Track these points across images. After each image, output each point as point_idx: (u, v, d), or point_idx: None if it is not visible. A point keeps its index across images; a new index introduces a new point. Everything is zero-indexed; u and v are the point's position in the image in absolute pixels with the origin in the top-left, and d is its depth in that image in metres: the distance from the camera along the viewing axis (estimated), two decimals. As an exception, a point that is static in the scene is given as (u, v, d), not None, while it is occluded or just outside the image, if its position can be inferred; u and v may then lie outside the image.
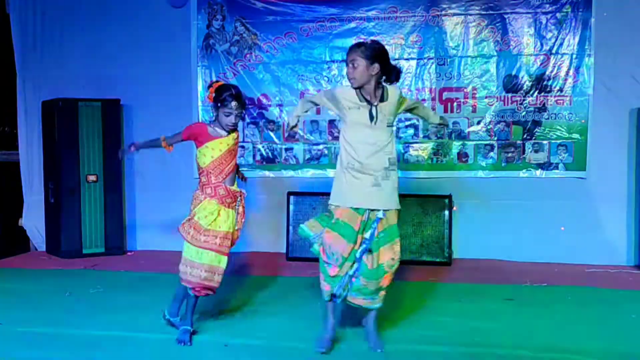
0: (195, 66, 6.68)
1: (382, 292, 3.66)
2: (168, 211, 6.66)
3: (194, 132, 3.83)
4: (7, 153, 7.25)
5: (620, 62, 6.05)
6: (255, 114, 6.66)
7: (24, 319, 4.19)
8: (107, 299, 4.78)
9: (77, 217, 6.35)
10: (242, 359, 3.57)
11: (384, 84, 3.59)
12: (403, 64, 6.40)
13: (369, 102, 3.52)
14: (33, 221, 6.88)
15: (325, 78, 6.55)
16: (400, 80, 6.39)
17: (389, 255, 3.55)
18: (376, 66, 3.48)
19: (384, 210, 3.55)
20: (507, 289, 5.08)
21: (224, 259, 3.82)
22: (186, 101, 6.70)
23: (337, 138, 6.53)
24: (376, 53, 3.50)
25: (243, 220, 3.95)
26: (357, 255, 3.54)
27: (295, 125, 3.90)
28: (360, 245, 3.54)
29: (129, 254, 6.62)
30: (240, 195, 3.89)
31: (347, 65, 3.57)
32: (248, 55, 6.63)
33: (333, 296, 3.61)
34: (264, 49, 6.60)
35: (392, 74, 3.58)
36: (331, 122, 6.55)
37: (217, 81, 3.96)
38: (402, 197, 5.99)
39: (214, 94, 3.77)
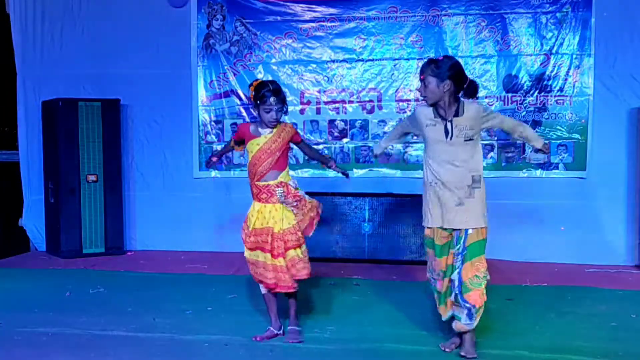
0: (195, 66, 6.68)
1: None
2: (168, 211, 6.69)
3: (239, 132, 3.95)
4: (7, 153, 7.25)
5: (620, 62, 6.05)
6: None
7: (24, 319, 4.19)
8: (107, 299, 4.78)
9: (77, 217, 6.34)
10: (242, 359, 3.57)
11: (461, 99, 3.56)
12: (403, 64, 6.41)
13: (443, 118, 3.51)
14: (33, 221, 6.88)
15: (325, 78, 6.55)
16: (401, 80, 6.47)
17: (471, 273, 3.51)
18: (447, 83, 3.45)
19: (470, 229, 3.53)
20: (507, 289, 5.08)
21: (267, 256, 3.76)
22: (186, 101, 6.70)
23: (337, 138, 6.57)
24: (447, 70, 3.46)
25: (303, 210, 3.90)
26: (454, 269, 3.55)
27: (377, 156, 4.25)
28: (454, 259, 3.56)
29: (129, 254, 6.62)
30: (283, 187, 3.83)
31: (420, 82, 3.56)
32: (248, 55, 6.63)
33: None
34: (264, 49, 6.60)
35: (468, 89, 3.54)
36: (331, 122, 6.55)
37: (256, 80, 3.94)
38: (402, 197, 6.08)
39: (253, 93, 3.79)
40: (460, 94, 3.54)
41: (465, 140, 3.50)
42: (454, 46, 6.33)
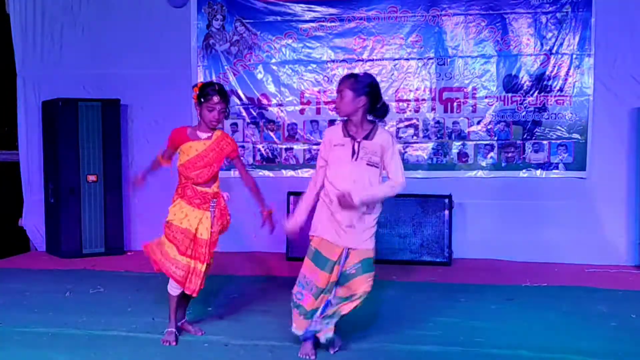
0: (195, 66, 6.68)
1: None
2: (168, 211, 6.66)
3: (172, 138, 3.86)
4: (7, 153, 7.25)
5: (620, 62, 6.05)
6: (255, 114, 6.66)
7: (24, 319, 4.19)
8: (107, 299, 4.78)
9: (77, 217, 6.35)
10: (242, 359, 3.57)
11: (378, 123, 3.51)
12: (403, 64, 6.41)
13: (353, 138, 3.46)
14: (33, 221, 6.88)
15: (325, 78, 6.55)
16: (401, 80, 6.47)
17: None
18: (363, 98, 3.40)
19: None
20: (507, 289, 5.08)
21: (183, 258, 3.71)
22: (186, 101, 6.66)
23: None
24: (365, 86, 3.41)
25: (220, 223, 3.81)
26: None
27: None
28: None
29: (128, 254, 6.62)
30: (216, 198, 3.78)
31: (337, 94, 3.49)
32: (248, 55, 6.63)
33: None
34: (264, 49, 6.60)
35: (379, 109, 3.47)
36: (331, 122, 6.54)
37: (200, 82, 3.90)
38: (402, 197, 6.07)
39: (197, 93, 3.71)
40: (371, 114, 3.48)
41: (368, 164, 3.43)
42: (454, 46, 6.33)
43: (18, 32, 6.84)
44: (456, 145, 6.37)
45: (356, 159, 3.43)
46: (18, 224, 6.97)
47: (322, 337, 3.55)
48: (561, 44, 6.17)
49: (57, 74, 6.79)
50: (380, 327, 4.11)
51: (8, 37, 6.86)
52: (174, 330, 3.79)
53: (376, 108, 3.47)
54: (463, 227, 6.25)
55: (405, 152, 6.43)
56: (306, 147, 6.59)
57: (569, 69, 6.17)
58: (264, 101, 6.63)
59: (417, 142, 6.44)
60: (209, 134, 3.75)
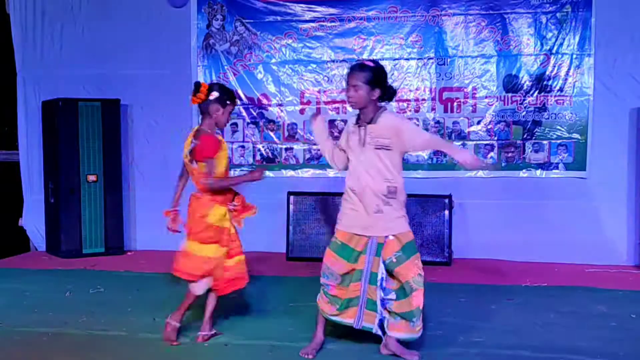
0: (195, 66, 6.68)
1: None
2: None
3: (214, 145, 3.71)
4: (7, 153, 7.26)
5: (620, 62, 6.05)
6: (255, 114, 6.66)
7: (24, 319, 4.19)
8: (107, 299, 4.78)
9: (77, 217, 6.35)
10: (242, 359, 3.57)
11: (382, 105, 3.53)
12: (403, 64, 6.41)
13: (360, 125, 3.50)
14: (33, 221, 6.89)
15: (325, 78, 6.55)
16: (401, 80, 6.46)
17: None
18: (377, 91, 3.43)
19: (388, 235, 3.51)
20: (507, 289, 5.09)
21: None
22: (186, 101, 6.66)
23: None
24: (378, 78, 3.43)
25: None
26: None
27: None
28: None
29: (129, 254, 6.62)
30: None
31: (346, 84, 3.49)
32: (248, 55, 6.63)
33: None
34: (264, 49, 6.60)
35: (387, 93, 3.50)
36: (331, 122, 6.55)
37: (204, 83, 3.83)
38: (402, 197, 6.07)
39: (217, 94, 3.70)
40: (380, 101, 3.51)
41: (377, 148, 3.43)
42: (454, 46, 6.33)
43: (18, 32, 6.84)
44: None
45: (364, 144, 3.45)
46: (18, 224, 6.97)
47: (395, 335, 3.51)
48: (561, 44, 6.17)
49: (57, 74, 6.79)
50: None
51: (8, 37, 6.86)
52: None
53: (386, 94, 3.49)
54: (463, 227, 6.25)
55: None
56: (306, 147, 6.59)
57: (569, 69, 6.17)
58: (264, 101, 6.63)
59: (417, 142, 6.43)
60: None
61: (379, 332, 3.56)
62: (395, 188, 3.49)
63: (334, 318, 3.59)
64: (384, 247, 3.49)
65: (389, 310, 3.50)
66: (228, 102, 3.72)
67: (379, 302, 3.51)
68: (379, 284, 3.49)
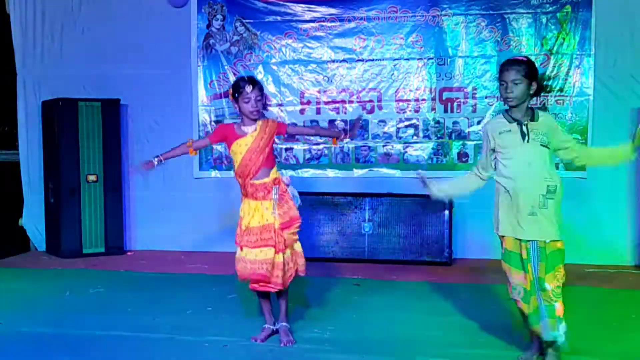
0: (196, 66, 6.68)
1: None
2: (168, 211, 6.69)
3: (219, 133, 3.84)
4: (7, 153, 7.25)
5: (620, 62, 6.05)
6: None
7: (24, 319, 4.19)
8: (107, 299, 4.79)
9: (77, 217, 6.34)
10: (242, 359, 3.57)
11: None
12: (403, 64, 6.41)
13: (519, 122, 3.41)
14: (33, 221, 6.88)
15: (325, 78, 6.55)
16: (401, 80, 6.46)
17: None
18: (534, 84, 3.40)
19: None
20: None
21: (270, 251, 3.70)
22: (186, 101, 6.71)
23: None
24: (535, 71, 3.41)
25: (283, 207, 3.77)
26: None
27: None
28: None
29: (129, 254, 6.62)
30: (278, 184, 3.76)
31: (502, 82, 3.42)
32: (248, 55, 6.63)
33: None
34: (264, 49, 6.60)
35: (538, 91, 3.49)
36: (331, 122, 6.55)
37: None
38: (402, 197, 6.08)
39: (231, 90, 3.75)
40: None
41: (542, 145, 3.39)
42: (454, 46, 6.33)
43: (18, 32, 6.84)
44: (456, 145, 6.37)
45: (528, 140, 3.38)
46: (18, 223, 6.97)
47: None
48: (561, 44, 6.17)
49: (57, 74, 6.78)
50: (379, 327, 4.11)
51: (8, 37, 6.85)
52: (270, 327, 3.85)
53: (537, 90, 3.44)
54: (463, 227, 6.25)
55: (406, 152, 6.44)
56: (306, 147, 6.59)
57: (569, 69, 6.17)
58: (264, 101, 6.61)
59: (417, 142, 6.44)
60: (254, 126, 3.74)
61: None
62: (555, 187, 3.52)
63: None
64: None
65: None
66: (236, 94, 3.71)
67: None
68: None
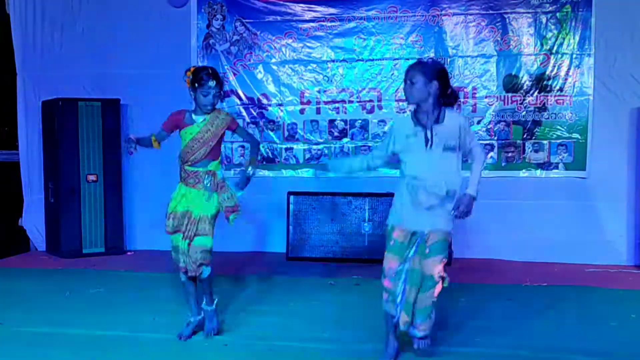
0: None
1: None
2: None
3: (170, 120, 3.94)
4: (7, 153, 7.25)
5: (620, 62, 6.05)
6: (255, 114, 6.66)
7: (24, 319, 4.19)
8: (107, 299, 4.79)
9: (77, 217, 6.34)
10: (242, 359, 3.57)
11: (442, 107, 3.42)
12: (403, 64, 6.40)
13: (423, 126, 3.36)
14: (33, 221, 6.88)
15: (325, 78, 6.55)
16: (401, 80, 6.45)
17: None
18: (435, 83, 3.32)
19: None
20: (507, 289, 5.08)
21: (178, 237, 3.82)
22: (186, 101, 6.66)
23: (337, 138, 6.56)
24: (436, 71, 3.36)
25: (227, 192, 3.84)
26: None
27: None
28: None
29: (129, 254, 6.62)
30: (212, 176, 3.83)
31: (404, 82, 3.42)
32: (248, 55, 6.63)
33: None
34: (264, 49, 6.60)
35: (450, 96, 3.40)
36: (331, 122, 6.55)
37: (192, 66, 3.97)
38: (402, 197, 6.07)
39: (190, 77, 3.78)
40: (441, 101, 3.40)
41: (444, 150, 3.35)
42: (454, 46, 6.33)
43: (18, 32, 6.84)
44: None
45: (430, 146, 3.34)
46: (18, 223, 6.97)
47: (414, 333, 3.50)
48: (561, 44, 6.17)
49: (57, 74, 6.78)
50: (379, 327, 4.10)
51: (8, 37, 6.85)
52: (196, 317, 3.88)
53: (446, 94, 3.39)
54: (463, 227, 6.24)
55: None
56: (306, 147, 6.60)
57: (569, 68, 6.17)
58: (264, 101, 6.63)
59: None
60: (202, 117, 3.83)
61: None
62: (455, 192, 3.44)
63: None
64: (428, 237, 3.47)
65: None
66: (196, 84, 3.76)
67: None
68: None
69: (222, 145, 4.05)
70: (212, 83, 3.73)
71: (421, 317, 3.45)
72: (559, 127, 6.21)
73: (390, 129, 3.62)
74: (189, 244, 3.79)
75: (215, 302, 3.90)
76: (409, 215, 3.41)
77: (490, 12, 6.25)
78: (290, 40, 6.55)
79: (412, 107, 3.47)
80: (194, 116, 3.84)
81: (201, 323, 3.89)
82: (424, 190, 3.35)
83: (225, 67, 6.64)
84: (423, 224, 3.39)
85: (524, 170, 6.29)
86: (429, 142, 3.34)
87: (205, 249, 3.80)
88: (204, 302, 3.88)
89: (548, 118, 6.22)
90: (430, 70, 3.35)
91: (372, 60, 6.47)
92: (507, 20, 6.22)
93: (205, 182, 3.82)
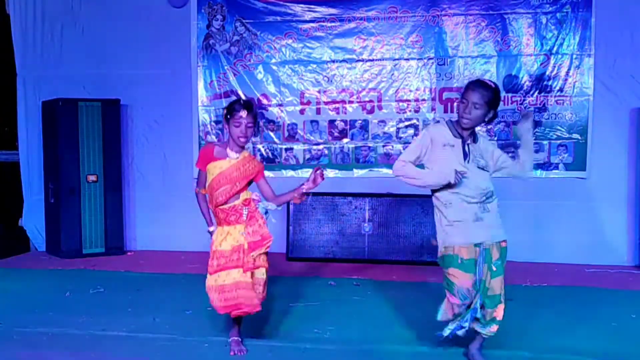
0: (195, 66, 6.68)
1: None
2: (168, 211, 6.68)
3: (201, 156, 3.67)
4: (7, 153, 7.25)
5: (620, 62, 6.05)
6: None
7: (24, 319, 4.19)
8: (107, 299, 4.78)
9: (77, 217, 6.34)
10: (242, 358, 3.56)
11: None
12: (403, 64, 6.42)
13: (462, 139, 3.36)
14: (33, 221, 6.88)
15: (325, 78, 6.55)
16: (401, 80, 6.47)
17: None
18: (492, 113, 3.34)
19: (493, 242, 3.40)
20: (507, 289, 5.06)
21: (237, 272, 3.55)
22: (186, 101, 6.70)
23: (337, 138, 6.56)
24: (497, 101, 3.35)
25: (253, 226, 3.65)
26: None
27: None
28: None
29: (129, 254, 6.62)
30: (248, 204, 3.63)
31: (463, 100, 3.33)
32: (248, 55, 6.63)
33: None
34: (264, 49, 6.60)
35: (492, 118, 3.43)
36: (331, 122, 6.55)
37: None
38: (402, 197, 6.07)
39: (225, 111, 3.63)
40: None
41: (479, 167, 3.38)
42: (454, 46, 6.33)
43: (18, 32, 6.84)
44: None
45: (469, 161, 3.36)
46: (18, 224, 6.97)
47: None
48: (561, 44, 6.17)
49: (57, 74, 6.79)
50: (380, 327, 4.11)
51: (8, 37, 6.86)
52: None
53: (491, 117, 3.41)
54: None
55: (405, 152, 6.43)
56: (306, 147, 6.60)
57: (569, 69, 6.17)
58: (264, 101, 6.63)
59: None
60: (237, 155, 3.62)
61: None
62: (492, 192, 3.47)
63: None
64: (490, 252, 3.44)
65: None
66: (228, 115, 3.59)
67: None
68: None
69: None
70: (243, 113, 3.50)
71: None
72: (559, 127, 6.21)
73: (426, 132, 3.49)
74: (252, 276, 3.60)
75: None
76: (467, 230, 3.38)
77: (490, 12, 6.25)
78: (290, 41, 6.55)
79: (450, 118, 3.44)
80: (228, 150, 3.60)
81: None
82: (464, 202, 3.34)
83: (225, 67, 6.64)
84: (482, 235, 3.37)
85: (524, 171, 6.28)
86: (467, 157, 3.35)
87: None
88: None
89: (548, 118, 6.22)
90: (493, 101, 3.33)
91: (372, 60, 6.47)
92: (507, 20, 6.23)
93: (244, 214, 3.62)
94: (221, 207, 3.59)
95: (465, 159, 3.35)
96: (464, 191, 3.35)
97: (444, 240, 3.44)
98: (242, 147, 3.64)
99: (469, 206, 3.37)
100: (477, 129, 3.46)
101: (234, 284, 3.54)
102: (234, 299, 3.55)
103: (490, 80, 3.46)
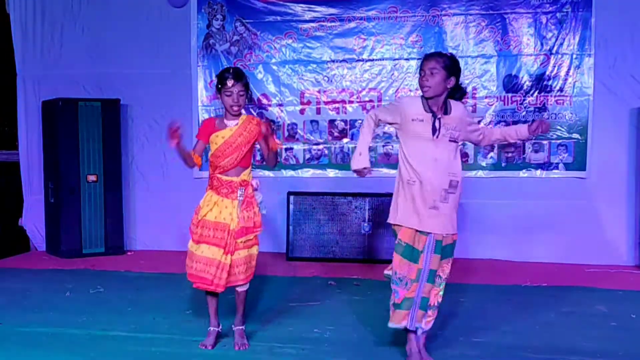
0: (195, 66, 6.68)
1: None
2: (168, 211, 6.68)
3: (202, 128, 3.73)
4: (7, 153, 7.25)
5: (620, 62, 6.05)
6: (255, 114, 6.65)
7: (24, 319, 4.19)
8: (107, 299, 4.78)
9: (77, 217, 6.34)
10: (242, 358, 3.57)
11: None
12: (403, 64, 6.42)
13: (433, 114, 3.35)
14: (33, 221, 6.88)
15: (325, 78, 6.55)
16: (401, 80, 6.47)
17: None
18: (453, 79, 3.36)
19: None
20: (507, 289, 5.09)
21: (219, 251, 3.60)
22: (186, 101, 6.70)
23: (337, 138, 6.56)
24: (456, 66, 3.38)
25: (248, 212, 3.63)
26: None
27: (365, 168, 3.57)
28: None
29: (129, 254, 6.62)
30: (244, 187, 3.64)
31: (421, 71, 3.37)
32: (248, 55, 6.63)
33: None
34: (264, 49, 6.60)
35: (459, 90, 3.47)
36: (331, 122, 6.55)
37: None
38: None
39: (216, 81, 3.67)
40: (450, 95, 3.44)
41: (450, 141, 3.38)
42: (454, 46, 6.32)
43: (18, 32, 6.84)
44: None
45: (437, 136, 3.35)
46: (18, 223, 6.97)
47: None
48: (561, 44, 6.17)
49: (57, 74, 6.79)
50: (380, 327, 4.10)
51: (8, 37, 6.86)
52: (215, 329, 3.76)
53: (457, 89, 3.44)
54: (463, 227, 6.21)
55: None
56: (306, 147, 6.60)
57: (569, 69, 6.17)
58: (264, 101, 6.63)
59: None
60: (235, 121, 3.66)
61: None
62: (457, 183, 3.43)
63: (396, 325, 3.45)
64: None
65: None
66: (219, 85, 3.61)
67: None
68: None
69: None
70: (231, 82, 3.53)
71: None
72: (559, 127, 6.21)
73: (398, 103, 3.56)
74: (231, 258, 3.62)
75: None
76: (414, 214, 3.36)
77: (490, 12, 6.25)
78: (290, 41, 6.55)
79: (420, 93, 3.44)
80: (225, 121, 3.65)
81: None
82: (428, 185, 3.33)
83: (226, 67, 6.63)
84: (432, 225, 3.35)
85: (524, 171, 6.29)
86: (437, 132, 3.35)
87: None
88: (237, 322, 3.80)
89: (548, 118, 6.21)
90: (451, 66, 3.36)
91: (372, 60, 6.47)
92: (507, 20, 6.23)
93: (239, 194, 3.62)
94: (219, 175, 3.64)
95: (434, 134, 3.35)
96: (430, 174, 3.34)
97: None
98: (238, 115, 3.67)
99: (430, 192, 3.34)
100: (456, 104, 3.44)
101: (211, 260, 3.60)
102: (204, 272, 3.61)
103: (449, 53, 3.52)
